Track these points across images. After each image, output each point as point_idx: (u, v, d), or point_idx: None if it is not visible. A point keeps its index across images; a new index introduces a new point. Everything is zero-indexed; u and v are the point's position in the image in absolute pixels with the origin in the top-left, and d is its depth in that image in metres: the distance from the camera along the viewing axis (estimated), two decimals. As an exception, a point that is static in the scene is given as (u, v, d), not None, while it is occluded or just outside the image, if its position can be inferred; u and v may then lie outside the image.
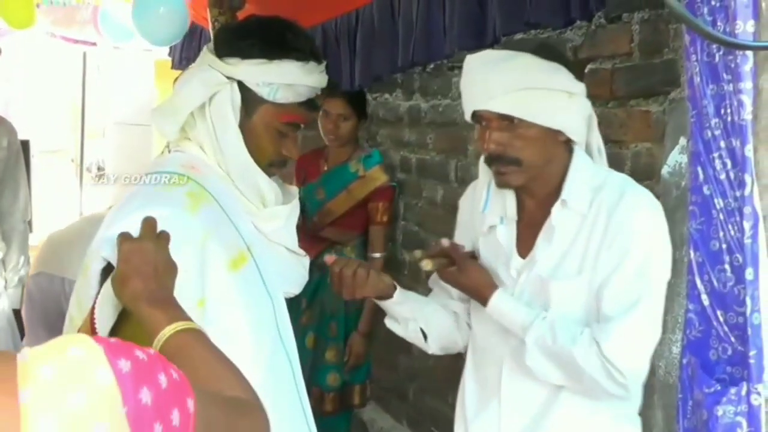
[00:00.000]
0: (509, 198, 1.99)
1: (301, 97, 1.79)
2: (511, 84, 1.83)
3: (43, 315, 3.74)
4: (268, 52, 1.75)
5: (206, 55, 1.80)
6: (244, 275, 1.69)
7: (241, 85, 1.74)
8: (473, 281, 1.98)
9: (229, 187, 1.75)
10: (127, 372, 0.92)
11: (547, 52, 1.89)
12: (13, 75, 12.46)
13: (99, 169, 13.17)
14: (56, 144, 14.05)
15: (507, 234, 2.00)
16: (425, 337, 2.13)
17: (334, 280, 2.03)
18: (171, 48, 6.49)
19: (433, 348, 2.15)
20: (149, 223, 1.54)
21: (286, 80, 1.75)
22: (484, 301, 1.94)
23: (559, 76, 1.85)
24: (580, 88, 1.88)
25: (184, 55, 6.15)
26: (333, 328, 3.93)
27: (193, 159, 1.76)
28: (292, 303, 1.88)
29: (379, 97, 4.82)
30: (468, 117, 1.93)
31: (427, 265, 2.00)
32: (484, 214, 2.04)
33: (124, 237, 1.50)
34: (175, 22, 4.86)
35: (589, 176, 1.89)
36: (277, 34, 1.78)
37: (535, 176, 1.90)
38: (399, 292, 2.09)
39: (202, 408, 1.01)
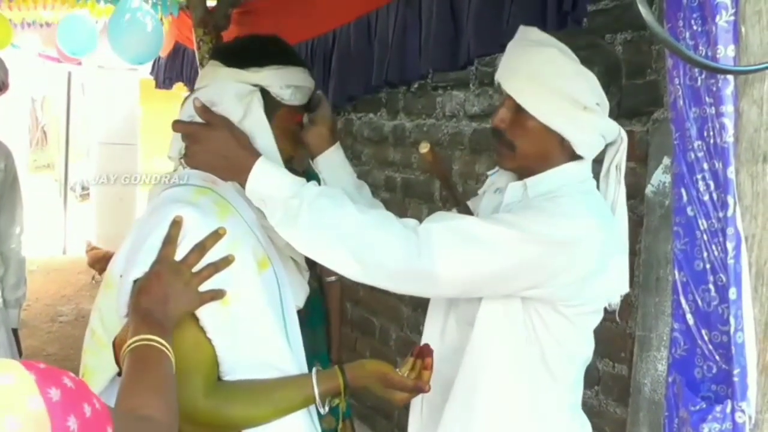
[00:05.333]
0: (510, 175, 1.98)
1: (305, 99, 1.95)
2: (525, 70, 1.81)
3: None
4: (281, 59, 1.89)
5: (221, 70, 1.87)
6: (266, 279, 1.77)
7: (262, 92, 1.86)
8: (233, 143, 1.76)
9: (247, 200, 1.80)
10: (57, 401, 0.95)
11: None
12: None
13: (83, 188, 13.14)
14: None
15: (489, 206, 2.00)
16: None
17: None
18: (154, 67, 6.51)
19: None
20: (169, 249, 1.64)
21: (297, 82, 1.91)
22: (246, 169, 1.74)
23: (577, 85, 1.78)
24: (601, 106, 1.81)
25: (167, 75, 6.17)
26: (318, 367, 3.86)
27: (211, 174, 1.82)
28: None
29: (363, 116, 4.85)
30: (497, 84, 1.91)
31: (424, 148, 2.08)
32: (489, 176, 2.06)
33: (162, 256, 1.64)
34: (149, 41, 4.90)
35: (565, 181, 1.86)
36: (281, 45, 1.96)
37: (528, 169, 1.89)
38: (335, 149, 2.10)
39: None
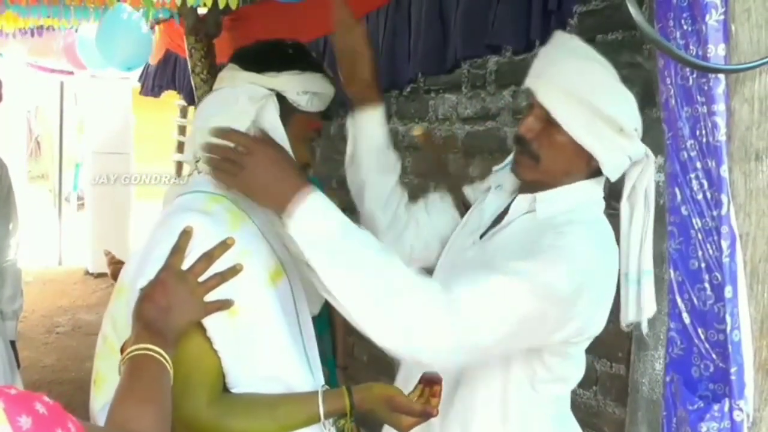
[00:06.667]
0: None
1: (323, 106, 1.90)
2: (562, 82, 1.72)
3: None
4: (299, 64, 1.85)
5: (239, 74, 1.83)
6: (280, 290, 1.75)
7: (278, 97, 1.82)
8: (277, 172, 1.61)
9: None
10: (27, 429, 0.92)
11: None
12: (-11, 105, 12.41)
13: (78, 198, 13.12)
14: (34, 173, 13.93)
15: (493, 205, 1.93)
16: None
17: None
18: (143, 74, 6.49)
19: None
20: (177, 256, 1.61)
21: (315, 89, 1.86)
22: (291, 202, 1.58)
23: (620, 106, 1.70)
24: (639, 131, 1.74)
25: (157, 82, 6.16)
26: (324, 373, 3.86)
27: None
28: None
29: (357, 121, 4.83)
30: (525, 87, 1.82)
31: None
32: (494, 171, 2.01)
33: (169, 264, 1.60)
34: (138, 48, 4.89)
35: (577, 202, 1.80)
36: (299, 50, 1.91)
37: (548, 183, 1.81)
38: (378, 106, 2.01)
39: None
